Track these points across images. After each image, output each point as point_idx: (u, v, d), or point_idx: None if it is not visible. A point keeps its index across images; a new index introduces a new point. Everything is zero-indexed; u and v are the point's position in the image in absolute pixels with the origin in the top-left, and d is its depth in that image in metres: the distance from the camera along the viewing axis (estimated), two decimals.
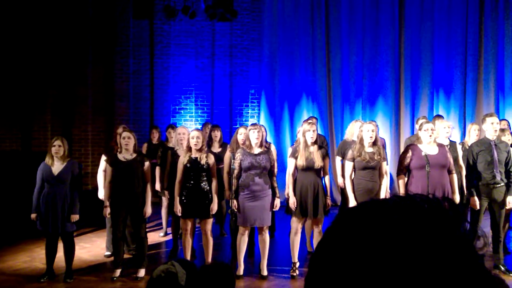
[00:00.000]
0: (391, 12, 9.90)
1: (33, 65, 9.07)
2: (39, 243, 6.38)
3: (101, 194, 5.86)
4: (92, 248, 6.64)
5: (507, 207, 5.44)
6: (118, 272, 5.39)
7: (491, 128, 5.40)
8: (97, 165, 6.64)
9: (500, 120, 6.75)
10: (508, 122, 7.41)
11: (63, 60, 9.25)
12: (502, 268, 5.38)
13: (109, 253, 6.13)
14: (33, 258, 6.16)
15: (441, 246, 0.54)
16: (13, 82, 9.03)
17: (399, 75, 9.98)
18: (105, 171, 5.66)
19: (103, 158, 5.99)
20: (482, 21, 9.92)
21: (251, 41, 10.01)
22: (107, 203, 5.35)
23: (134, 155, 5.41)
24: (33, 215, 5.24)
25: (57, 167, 5.25)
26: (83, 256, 6.19)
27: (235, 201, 5.31)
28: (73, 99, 9.44)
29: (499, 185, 5.33)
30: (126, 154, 5.38)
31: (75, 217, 5.26)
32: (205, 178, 5.34)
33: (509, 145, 5.75)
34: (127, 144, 5.35)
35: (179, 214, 5.36)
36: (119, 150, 5.47)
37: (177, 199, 5.34)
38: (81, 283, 5.27)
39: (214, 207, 5.37)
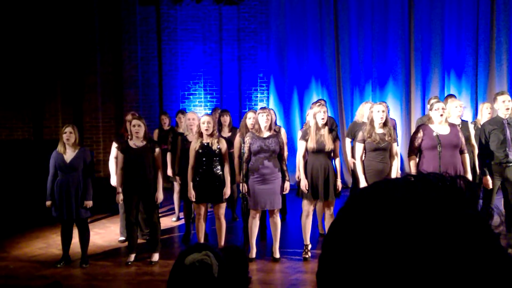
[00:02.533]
0: None
1: (42, 55, 9.10)
2: (55, 229, 6.48)
3: (114, 181, 5.91)
4: (106, 234, 6.73)
5: None
6: (132, 256, 5.47)
7: (502, 106, 5.34)
8: (108, 152, 6.69)
9: None
10: None
11: (71, 48, 9.26)
12: None
13: (123, 238, 6.21)
14: (49, 244, 6.26)
15: (457, 225, 0.53)
16: (22, 72, 9.07)
17: (409, 56, 9.85)
18: (116, 158, 5.70)
19: (114, 145, 6.03)
20: None
21: (259, 24, 9.92)
22: (120, 190, 5.40)
23: (145, 141, 5.43)
24: (47, 203, 5.32)
25: (69, 154, 5.30)
26: (97, 241, 6.28)
27: (245, 185, 5.33)
28: (83, 87, 9.48)
29: None
30: (136, 141, 5.41)
31: (89, 204, 5.32)
32: (217, 163, 5.36)
33: None
34: (137, 132, 5.37)
35: (193, 199, 5.39)
36: (129, 137, 5.50)
37: (190, 184, 5.37)
38: (97, 268, 5.36)
39: (227, 191, 5.39)
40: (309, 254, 5.46)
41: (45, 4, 9.01)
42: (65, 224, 5.39)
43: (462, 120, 5.86)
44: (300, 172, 5.40)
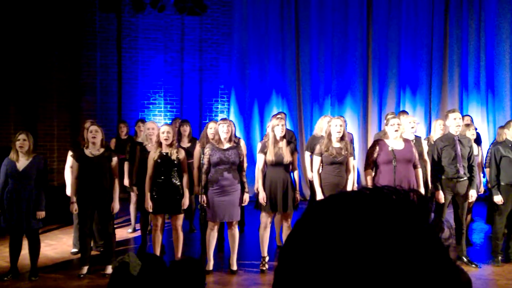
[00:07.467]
0: (360, 9, 10.03)
1: None
2: (2, 241, 6.20)
3: (69, 191, 5.74)
4: (58, 245, 6.50)
5: (470, 200, 5.63)
6: (85, 269, 5.30)
7: (454, 123, 5.55)
8: (63, 160, 6.50)
9: (464, 115, 6.96)
10: (471, 117, 7.63)
11: (27, 53, 8.98)
12: (465, 259, 5.56)
13: (76, 250, 6.02)
14: None
15: (408, 236, 0.55)
16: None
17: (367, 72, 10.14)
18: (72, 167, 5.54)
19: (70, 153, 5.86)
20: (447, 19, 10.18)
21: (221, 36, 9.96)
22: (74, 199, 5.24)
23: (102, 150, 5.32)
24: None
25: (22, 162, 5.11)
26: (48, 253, 6.05)
27: (204, 196, 5.30)
28: (38, 93, 9.18)
29: (462, 179, 5.50)
30: (93, 149, 5.28)
31: (41, 214, 5.14)
32: (176, 173, 5.30)
33: (472, 140, 5.94)
34: (94, 137, 5.25)
35: (150, 210, 5.30)
36: (86, 145, 5.37)
37: (147, 195, 5.28)
38: (47, 281, 5.16)
39: (186, 202, 5.33)
40: (267, 266, 5.46)
41: (1, 7, 8.71)
42: (14, 235, 5.17)
43: (415, 136, 6.05)
44: (258, 184, 5.41)
